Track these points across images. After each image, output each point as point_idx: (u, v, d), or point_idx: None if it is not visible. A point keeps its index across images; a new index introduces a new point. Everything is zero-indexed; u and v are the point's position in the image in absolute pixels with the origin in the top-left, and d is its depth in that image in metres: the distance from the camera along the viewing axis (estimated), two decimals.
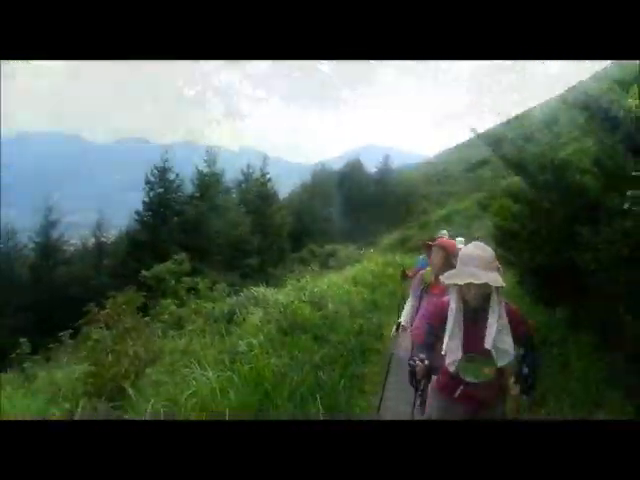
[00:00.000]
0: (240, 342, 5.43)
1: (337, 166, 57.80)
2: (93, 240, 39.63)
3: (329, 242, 35.48)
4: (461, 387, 2.61)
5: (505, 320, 2.47)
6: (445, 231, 8.54)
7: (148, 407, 3.33)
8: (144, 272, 12.14)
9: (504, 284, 2.41)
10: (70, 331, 8.06)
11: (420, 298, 4.06)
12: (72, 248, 38.40)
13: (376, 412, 4.29)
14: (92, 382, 3.65)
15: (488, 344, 2.42)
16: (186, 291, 11.40)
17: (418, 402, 3.55)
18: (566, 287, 4.37)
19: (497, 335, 2.43)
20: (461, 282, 2.43)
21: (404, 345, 4.58)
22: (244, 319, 7.43)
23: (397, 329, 4.34)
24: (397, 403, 4.70)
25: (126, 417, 3.48)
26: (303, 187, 51.37)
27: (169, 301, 9.43)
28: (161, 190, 32.96)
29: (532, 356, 2.58)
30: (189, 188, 34.25)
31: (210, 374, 4.12)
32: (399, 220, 43.07)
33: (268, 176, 38.65)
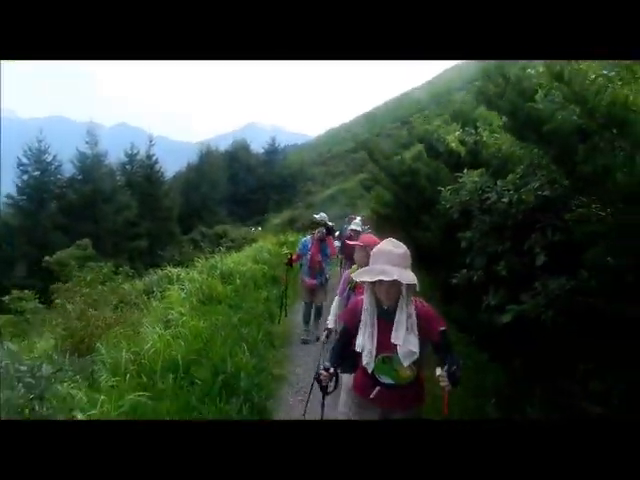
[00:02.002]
0: (171, 311, 6.53)
1: (221, 146, 57.18)
2: None
3: (218, 223, 36.08)
4: (378, 388, 2.58)
5: (414, 319, 2.41)
6: (323, 214, 8.87)
7: (121, 356, 4.41)
8: (47, 258, 12.30)
9: (416, 282, 2.33)
10: None
11: (348, 298, 3.92)
12: None
13: (302, 413, 4.34)
14: (68, 343, 4.54)
15: (396, 340, 2.39)
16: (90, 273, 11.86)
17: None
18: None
19: (405, 334, 2.38)
20: (370, 279, 2.36)
21: None
22: (162, 296, 8.41)
23: (327, 336, 4.20)
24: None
25: (95, 368, 4.45)
26: (189, 168, 50.71)
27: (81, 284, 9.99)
28: (37, 173, 31.05)
29: (452, 354, 2.43)
30: (70, 170, 32.20)
31: (160, 330, 5.26)
32: (286, 201, 44.51)
33: (155, 158, 37.21)
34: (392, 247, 2.43)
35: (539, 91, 2.75)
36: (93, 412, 3.20)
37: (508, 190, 3.19)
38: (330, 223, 8.28)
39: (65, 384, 3.32)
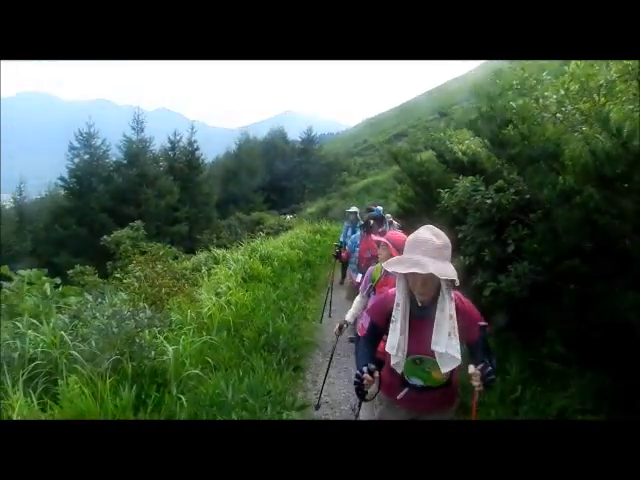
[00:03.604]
0: (220, 285, 7.73)
1: (259, 133, 58.24)
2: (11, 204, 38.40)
3: (254, 210, 37.38)
4: (406, 389, 2.41)
5: (454, 320, 2.17)
6: (355, 207, 9.28)
7: (186, 315, 5.59)
8: (105, 237, 13.83)
9: (456, 277, 2.09)
10: None
11: (369, 296, 3.79)
12: None
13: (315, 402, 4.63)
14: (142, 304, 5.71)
15: (436, 346, 2.18)
16: (140, 253, 13.24)
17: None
18: None
19: (447, 339, 2.15)
20: (403, 271, 2.12)
21: None
22: (209, 273, 9.63)
23: (340, 328, 4.03)
24: (335, 398, 5.05)
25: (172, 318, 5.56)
26: (227, 155, 52.24)
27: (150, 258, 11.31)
28: (87, 157, 32.56)
29: (489, 354, 2.23)
30: (116, 154, 33.83)
31: (214, 298, 6.45)
32: (320, 190, 45.32)
33: (196, 145, 38.43)
34: (431, 236, 2.15)
35: (510, 123, 3.70)
36: (175, 347, 4.36)
37: (491, 196, 4.14)
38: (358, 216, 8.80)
39: (150, 330, 4.50)
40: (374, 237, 4.24)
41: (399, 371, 2.34)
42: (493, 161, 4.44)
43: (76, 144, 32.80)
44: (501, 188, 4.23)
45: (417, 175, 6.60)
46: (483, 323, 2.25)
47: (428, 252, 2.10)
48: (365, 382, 2.12)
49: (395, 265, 2.17)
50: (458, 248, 4.98)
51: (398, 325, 2.25)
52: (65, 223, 29.54)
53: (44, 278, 6.17)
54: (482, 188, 4.32)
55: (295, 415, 4.30)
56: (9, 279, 6.05)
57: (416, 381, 2.39)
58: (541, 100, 3.71)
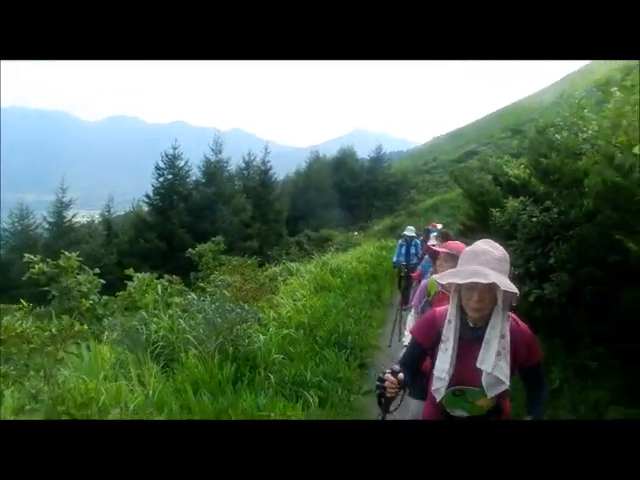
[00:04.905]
0: (295, 293, 8.67)
1: (328, 152, 58.94)
2: (100, 219, 41.74)
3: (323, 227, 38.40)
4: None
5: (507, 340, 1.99)
6: (412, 227, 9.67)
7: (269, 315, 6.54)
8: (190, 250, 15.34)
9: (517, 291, 1.89)
10: None
11: (423, 311, 3.41)
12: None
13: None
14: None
15: (482, 365, 1.98)
16: (220, 265, 14.53)
17: None
18: None
19: (495, 359, 1.96)
20: (461, 281, 1.91)
21: None
22: (284, 283, 10.63)
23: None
24: None
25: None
26: (297, 173, 53.84)
27: (217, 272, 12.55)
28: (170, 176, 34.69)
29: (540, 395, 2.13)
30: (195, 173, 36.13)
31: (292, 303, 7.41)
32: (388, 208, 45.52)
33: (269, 164, 40.30)
34: (489, 247, 1.99)
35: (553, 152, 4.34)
36: (263, 338, 5.30)
37: (536, 215, 4.75)
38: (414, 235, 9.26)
39: (245, 323, 5.46)
40: (433, 248, 3.90)
41: (438, 398, 2.11)
42: (540, 185, 5.05)
43: (161, 164, 35.29)
44: (547, 208, 4.83)
45: (476, 196, 7.23)
46: (539, 358, 2.13)
47: (488, 263, 1.92)
48: (387, 385, 1.92)
49: (450, 276, 1.98)
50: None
51: (451, 345, 2.05)
52: (147, 237, 31.60)
53: (155, 281, 7.39)
54: (529, 207, 4.93)
55: (362, 400, 5.08)
56: (131, 279, 7.32)
57: (460, 413, 2.14)
58: (580, 134, 4.30)
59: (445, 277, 2.02)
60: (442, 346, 2.07)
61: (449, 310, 2.09)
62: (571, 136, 4.34)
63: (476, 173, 8.97)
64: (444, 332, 2.07)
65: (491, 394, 2.00)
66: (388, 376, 1.93)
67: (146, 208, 35.51)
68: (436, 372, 2.08)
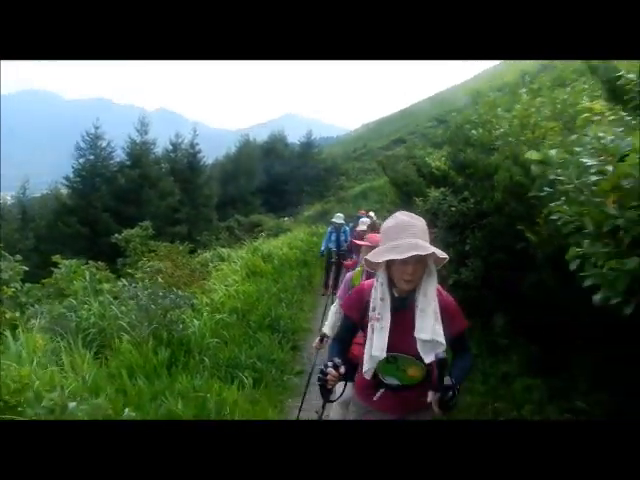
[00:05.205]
0: (227, 278, 8.76)
1: (259, 135, 58.41)
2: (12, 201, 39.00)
3: (253, 212, 38.05)
4: (381, 390, 2.21)
5: (437, 305, 2.02)
6: (341, 214, 9.90)
7: (201, 301, 6.61)
8: (116, 235, 14.83)
9: (447, 257, 1.99)
10: None
11: None
12: None
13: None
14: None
15: (421, 334, 1.99)
16: (148, 251, 14.21)
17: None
18: None
19: (432, 324, 1.99)
20: (400, 257, 1.87)
21: None
22: (216, 268, 10.66)
23: (321, 341, 3.86)
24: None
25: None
26: (227, 157, 52.77)
27: (145, 259, 12.29)
28: (92, 157, 33.24)
29: (465, 361, 2.17)
30: (120, 155, 34.51)
31: (225, 288, 7.50)
32: (318, 194, 45.78)
33: (198, 147, 39.15)
34: (411, 219, 2.00)
35: (469, 148, 4.75)
36: (197, 322, 5.40)
37: (455, 205, 5.18)
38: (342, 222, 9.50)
39: (178, 309, 5.52)
40: (357, 242, 4.30)
41: (368, 377, 2.15)
42: (458, 177, 5.49)
43: (82, 145, 33.42)
44: (464, 199, 5.26)
45: (401, 185, 7.65)
46: (465, 326, 2.19)
47: (418, 234, 1.92)
48: (329, 378, 1.97)
49: (387, 253, 1.93)
50: None
51: (386, 323, 2.05)
52: (68, 222, 30.00)
53: (82, 267, 7.19)
54: (449, 198, 5.35)
55: (295, 380, 5.34)
56: (57, 266, 7.07)
57: (392, 380, 2.18)
58: (493, 131, 4.73)
59: (382, 254, 1.97)
60: (377, 325, 2.06)
61: (379, 288, 2.08)
62: (485, 133, 4.76)
63: (402, 162, 9.41)
64: (378, 310, 2.07)
65: (428, 359, 1.99)
66: (330, 370, 1.96)
67: (65, 191, 33.59)
68: (374, 351, 2.05)
